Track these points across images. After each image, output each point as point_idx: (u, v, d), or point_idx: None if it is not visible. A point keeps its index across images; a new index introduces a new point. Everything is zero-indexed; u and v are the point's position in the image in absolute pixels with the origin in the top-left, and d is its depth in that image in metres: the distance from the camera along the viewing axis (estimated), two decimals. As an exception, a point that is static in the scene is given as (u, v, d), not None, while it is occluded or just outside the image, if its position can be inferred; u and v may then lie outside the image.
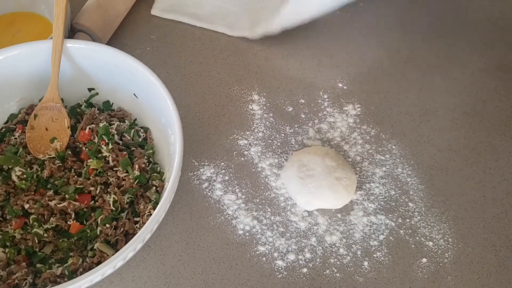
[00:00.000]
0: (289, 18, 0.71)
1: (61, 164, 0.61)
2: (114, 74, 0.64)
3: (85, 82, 0.67)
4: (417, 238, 0.60)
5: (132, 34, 0.77)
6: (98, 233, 0.57)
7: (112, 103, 0.68)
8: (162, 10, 0.79)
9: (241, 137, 0.68)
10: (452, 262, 0.59)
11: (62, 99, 0.64)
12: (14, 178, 0.60)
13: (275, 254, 0.59)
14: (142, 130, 0.66)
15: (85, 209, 0.58)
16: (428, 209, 0.62)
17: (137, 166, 0.60)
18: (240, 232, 0.61)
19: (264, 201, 0.63)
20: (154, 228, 0.53)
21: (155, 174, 0.61)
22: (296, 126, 0.69)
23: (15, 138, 0.64)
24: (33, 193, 0.59)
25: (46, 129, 0.64)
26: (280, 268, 0.58)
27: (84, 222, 0.58)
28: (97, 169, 0.60)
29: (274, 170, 0.65)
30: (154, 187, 0.60)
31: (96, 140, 0.62)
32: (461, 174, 0.65)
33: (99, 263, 0.54)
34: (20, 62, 0.63)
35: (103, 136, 0.62)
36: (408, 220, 0.61)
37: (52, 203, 0.58)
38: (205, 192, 0.63)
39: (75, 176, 0.60)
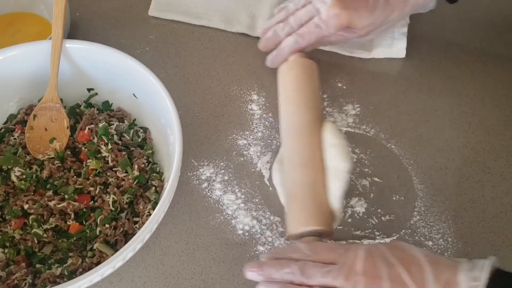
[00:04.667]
0: None
1: (60, 165, 0.61)
2: (113, 74, 0.64)
3: (84, 82, 0.67)
4: (417, 237, 0.60)
5: (131, 34, 0.77)
6: (98, 233, 0.57)
7: (112, 103, 0.68)
8: (159, 10, 0.79)
9: (241, 137, 0.68)
10: (451, 262, 0.59)
11: (61, 100, 0.65)
12: (13, 178, 0.60)
13: (275, 254, 0.59)
14: (141, 130, 0.66)
15: (84, 209, 0.58)
16: (428, 208, 0.62)
17: (136, 166, 0.60)
18: (240, 232, 0.61)
19: (263, 201, 0.63)
20: (153, 228, 0.53)
21: (154, 174, 0.61)
22: (295, 126, 0.69)
23: (14, 139, 0.64)
24: (32, 193, 0.59)
25: (46, 129, 0.64)
26: (279, 268, 0.58)
27: (84, 222, 0.58)
28: (96, 169, 0.60)
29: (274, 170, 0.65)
30: (154, 187, 0.60)
31: (95, 140, 0.62)
32: (460, 174, 0.65)
33: (98, 263, 0.54)
34: (19, 63, 0.63)
35: (102, 136, 0.62)
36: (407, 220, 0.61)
37: (51, 204, 0.58)
38: (204, 192, 0.63)
39: (75, 177, 0.60)
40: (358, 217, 0.62)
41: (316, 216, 0.56)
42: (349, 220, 0.61)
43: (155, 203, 0.58)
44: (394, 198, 0.63)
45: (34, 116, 0.64)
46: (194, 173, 0.65)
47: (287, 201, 0.59)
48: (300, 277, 0.49)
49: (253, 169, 0.65)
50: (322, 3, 0.64)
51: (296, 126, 0.61)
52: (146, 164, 0.62)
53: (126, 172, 0.60)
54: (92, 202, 0.59)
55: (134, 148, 0.63)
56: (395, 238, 0.60)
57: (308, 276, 0.49)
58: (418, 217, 0.62)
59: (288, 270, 0.50)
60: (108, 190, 0.59)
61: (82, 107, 0.67)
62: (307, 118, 0.61)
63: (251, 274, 0.52)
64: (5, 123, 0.66)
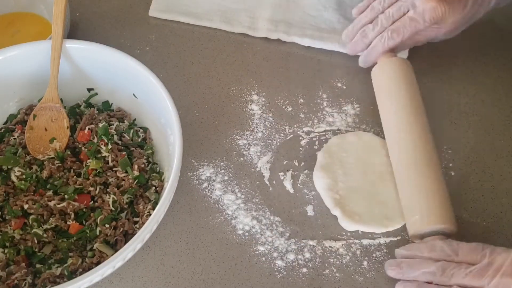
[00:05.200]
0: None
1: (60, 165, 0.61)
2: (114, 74, 0.64)
3: (84, 83, 0.67)
4: (417, 237, 0.60)
5: (131, 34, 0.77)
6: (98, 233, 0.57)
7: (112, 103, 0.68)
8: (160, 10, 0.79)
9: (241, 137, 0.68)
10: (451, 262, 0.59)
11: (61, 100, 0.65)
12: (13, 178, 0.60)
13: (275, 254, 0.59)
14: (141, 130, 0.66)
15: (84, 210, 0.58)
16: (428, 208, 0.62)
17: (136, 166, 0.60)
18: (240, 232, 0.61)
19: (263, 201, 0.63)
20: (153, 228, 0.53)
21: (154, 174, 0.61)
22: (295, 126, 0.69)
23: (14, 139, 0.64)
24: (32, 193, 0.59)
25: (46, 129, 0.64)
26: (279, 268, 0.58)
27: (84, 222, 0.58)
28: (96, 169, 0.60)
29: (274, 170, 0.65)
30: (154, 187, 0.60)
31: (95, 140, 0.62)
32: (460, 174, 0.65)
33: (98, 263, 0.54)
34: (19, 63, 0.63)
35: (102, 136, 0.62)
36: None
37: (51, 204, 0.58)
38: (204, 192, 0.63)
39: (75, 177, 0.60)
40: (358, 217, 0.62)
41: (451, 215, 0.56)
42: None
43: (155, 203, 0.58)
44: (394, 198, 0.63)
45: (34, 116, 0.64)
46: (194, 173, 0.65)
47: (409, 198, 0.59)
48: (440, 277, 0.49)
49: (253, 169, 0.65)
50: None
51: (413, 128, 0.61)
52: (146, 164, 0.62)
53: (126, 172, 0.60)
54: (92, 202, 0.59)
55: (134, 148, 0.63)
56: (394, 239, 0.60)
57: (449, 276, 0.48)
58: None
59: (428, 269, 0.50)
60: (108, 190, 0.59)
61: (82, 107, 0.67)
62: (421, 118, 0.62)
63: (392, 272, 0.53)
64: (5, 123, 0.66)
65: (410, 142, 0.61)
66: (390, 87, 0.65)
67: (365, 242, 0.60)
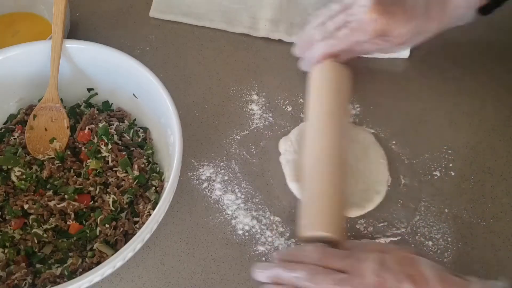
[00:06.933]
0: None
1: (60, 165, 0.61)
2: (114, 74, 0.64)
3: (84, 82, 0.67)
4: (417, 237, 0.60)
5: (131, 34, 0.77)
6: (98, 233, 0.57)
7: (112, 103, 0.68)
8: (160, 11, 0.79)
9: (241, 137, 0.68)
10: (451, 262, 0.59)
11: (61, 100, 0.65)
12: (13, 178, 0.60)
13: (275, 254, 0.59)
14: (141, 130, 0.66)
15: (84, 210, 0.58)
16: (427, 208, 0.62)
17: (136, 166, 0.60)
18: (240, 232, 0.61)
19: (263, 201, 0.63)
20: (153, 228, 0.53)
21: (154, 174, 0.61)
22: (295, 126, 0.68)
23: (14, 139, 0.64)
24: (32, 193, 0.59)
25: (46, 129, 0.64)
26: (279, 268, 0.58)
27: (84, 222, 0.58)
28: (96, 169, 0.60)
29: (273, 169, 0.65)
30: (154, 187, 0.60)
31: (95, 140, 0.62)
32: (460, 174, 0.65)
33: (98, 263, 0.54)
34: (19, 63, 0.63)
35: (102, 136, 0.62)
36: (407, 220, 0.61)
37: (51, 204, 0.58)
38: (204, 192, 0.63)
39: (75, 177, 0.60)
40: (358, 216, 0.62)
41: (335, 223, 0.56)
42: (349, 219, 0.62)
43: (155, 203, 0.58)
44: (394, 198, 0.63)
45: (34, 116, 0.64)
46: (194, 173, 0.65)
47: (305, 201, 0.59)
48: (306, 282, 0.49)
49: (253, 169, 0.65)
50: (360, 7, 0.62)
51: (317, 132, 0.62)
52: (146, 164, 0.62)
53: (126, 172, 0.60)
54: (92, 202, 0.59)
55: (134, 148, 0.63)
56: (394, 239, 0.60)
57: (316, 282, 0.49)
58: (418, 217, 0.62)
59: (296, 274, 0.50)
60: (108, 190, 0.59)
61: (82, 107, 0.67)
62: (329, 122, 0.62)
63: (258, 275, 0.53)
64: (5, 123, 0.66)
65: (323, 143, 0.60)
66: (319, 90, 0.65)
67: (365, 241, 0.60)
